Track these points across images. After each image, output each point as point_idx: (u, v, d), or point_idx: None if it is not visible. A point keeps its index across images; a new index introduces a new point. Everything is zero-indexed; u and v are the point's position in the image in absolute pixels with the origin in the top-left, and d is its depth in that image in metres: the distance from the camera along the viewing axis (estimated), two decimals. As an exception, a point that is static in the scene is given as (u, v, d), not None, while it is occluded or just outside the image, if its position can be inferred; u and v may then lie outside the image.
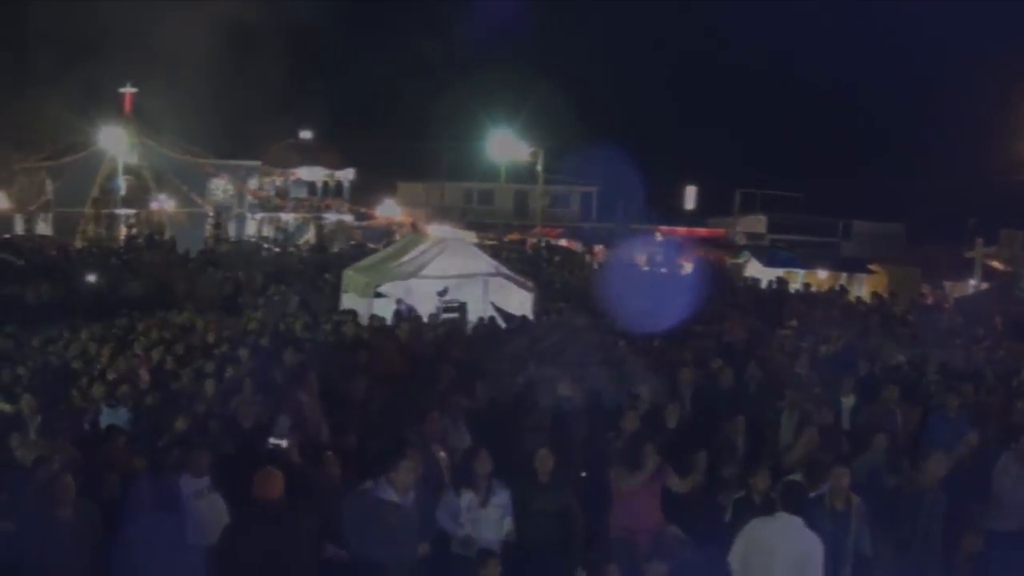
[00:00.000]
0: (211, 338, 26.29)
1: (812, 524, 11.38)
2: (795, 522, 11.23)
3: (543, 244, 66.60)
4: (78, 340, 26.46)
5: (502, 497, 12.78)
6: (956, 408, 17.47)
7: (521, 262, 48.59)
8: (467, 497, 12.73)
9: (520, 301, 32.82)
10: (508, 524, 12.74)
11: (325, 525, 11.72)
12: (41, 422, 16.30)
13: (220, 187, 74.55)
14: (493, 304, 31.50)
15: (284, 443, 14.61)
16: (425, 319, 29.26)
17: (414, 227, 56.25)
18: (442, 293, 31.61)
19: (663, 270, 50.06)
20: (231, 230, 72.81)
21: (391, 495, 11.95)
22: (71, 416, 17.25)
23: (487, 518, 12.68)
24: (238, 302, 37.23)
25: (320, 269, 44.91)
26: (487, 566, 11.35)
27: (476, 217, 77.71)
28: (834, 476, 12.74)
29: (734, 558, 11.35)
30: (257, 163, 75.73)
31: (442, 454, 14.19)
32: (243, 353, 22.44)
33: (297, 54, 70.55)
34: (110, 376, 19.80)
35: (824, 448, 15.16)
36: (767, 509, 11.71)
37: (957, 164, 67.11)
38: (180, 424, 15.92)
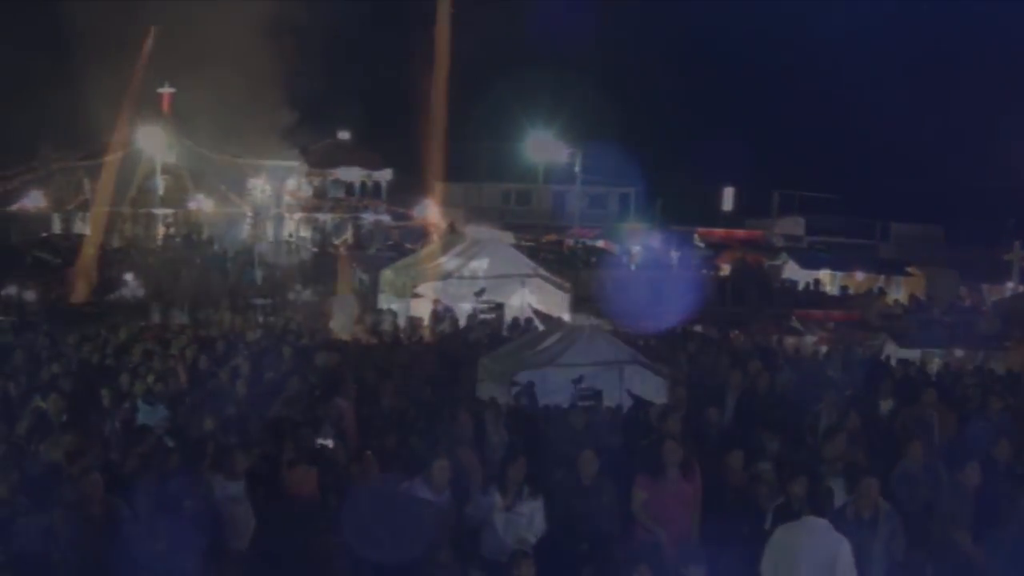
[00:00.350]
0: (248, 337, 26.41)
1: (837, 528, 11.28)
2: (820, 524, 11.09)
3: (580, 245, 66.50)
4: (116, 338, 26.56)
5: (531, 506, 12.63)
6: (998, 411, 17.34)
7: (558, 263, 48.59)
8: (496, 499, 12.65)
9: (557, 302, 32.87)
10: (532, 532, 12.57)
11: (360, 522, 11.69)
12: (68, 420, 16.30)
13: (258, 187, 74.53)
14: (531, 306, 31.56)
15: (330, 443, 14.67)
16: (462, 320, 29.32)
17: (452, 228, 56.09)
18: (479, 294, 31.67)
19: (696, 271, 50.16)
20: (269, 230, 72.85)
21: (428, 494, 11.97)
22: (100, 414, 17.27)
23: (512, 523, 12.55)
24: (275, 301, 37.38)
25: (357, 270, 45.00)
26: (520, 566, 11.17)
27: (514, 218, 77.54)
28: (861, 486, 12.62)
29: (765, 568, 11.23)
30: (295, 163, 75.71)
31: (472, 456, 14.14)
32: (286, 352, 22.50)
33: (335, 54, 70.42)
34: (145, 373, 19.83)
35: (854, 449, 14.99)
36: (797, 515, 11.61)
37: (996, 166, 66.64)
38: (210, 424, 15.93)
